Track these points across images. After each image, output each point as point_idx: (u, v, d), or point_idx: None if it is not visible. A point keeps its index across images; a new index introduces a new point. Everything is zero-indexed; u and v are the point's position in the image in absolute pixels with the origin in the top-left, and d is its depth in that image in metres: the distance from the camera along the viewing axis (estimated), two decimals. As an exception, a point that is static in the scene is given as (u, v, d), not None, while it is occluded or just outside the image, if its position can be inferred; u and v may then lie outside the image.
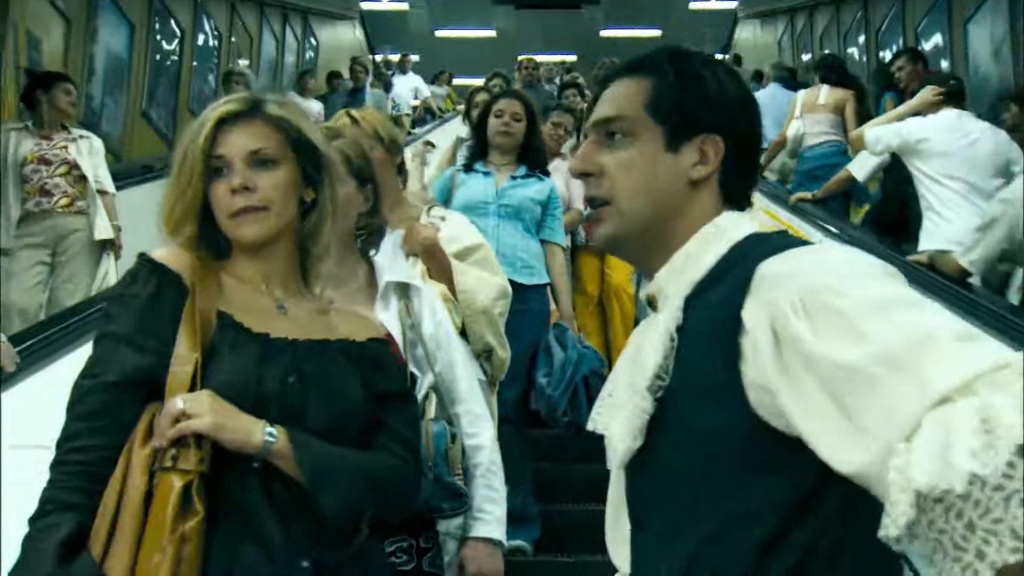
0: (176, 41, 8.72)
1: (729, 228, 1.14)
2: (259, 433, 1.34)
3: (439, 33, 18.01)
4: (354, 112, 2.57)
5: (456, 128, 6.99)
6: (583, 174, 1.20)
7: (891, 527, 0.81)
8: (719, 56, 13.09)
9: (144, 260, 1.46)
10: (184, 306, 1.40)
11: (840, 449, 0.88)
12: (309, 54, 13.31)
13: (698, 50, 1.25)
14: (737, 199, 1.20)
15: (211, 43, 9.69)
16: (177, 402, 1.31)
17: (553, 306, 3.69)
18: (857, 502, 0.94)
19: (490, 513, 1.94)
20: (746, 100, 1.21)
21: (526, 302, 3.40)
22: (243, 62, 10.48)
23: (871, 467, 0.85)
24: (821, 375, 0.90)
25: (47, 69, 5.98)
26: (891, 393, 0.84)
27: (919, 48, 6.96)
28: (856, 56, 9.25)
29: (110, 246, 5.00)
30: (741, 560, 1.00)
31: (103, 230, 4.95)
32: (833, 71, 6.31)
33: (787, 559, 0.98)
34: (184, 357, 1.36)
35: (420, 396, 1.92)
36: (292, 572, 1.33)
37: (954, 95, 4.48)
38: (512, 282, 3.26)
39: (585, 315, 4.70)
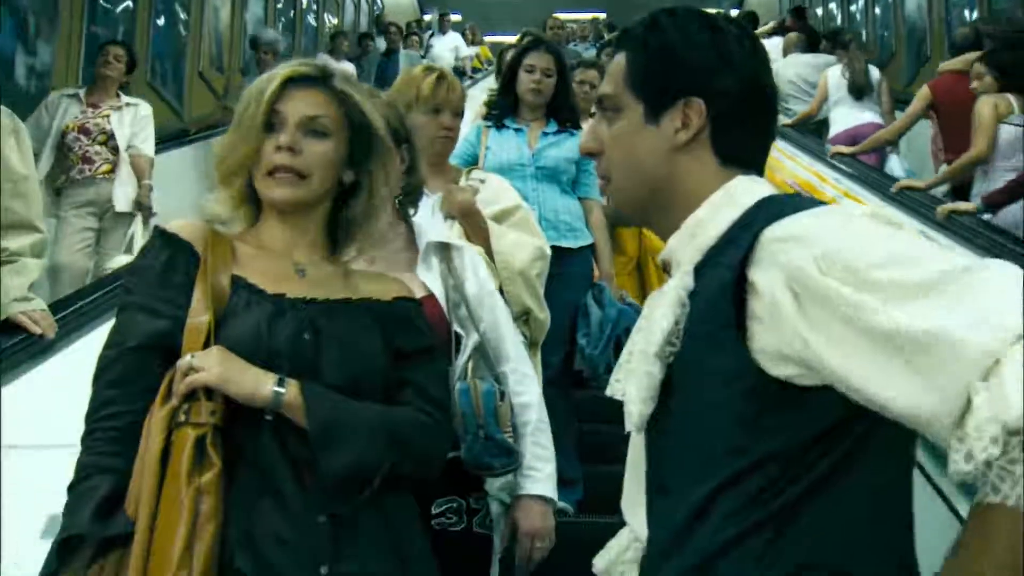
0: (291, 4, 11.35)
1: (740, 193, 1.14)
2: (268, 385, 1.35)
3: None
4: (449, 76, 2.58)
5: (490, 86, 6.94)
6: (589, 153, 1.24)
7: (963, 463, 0.83)
8: (732, 11, 13.92)
9: (157, 232, 1.49)
10: (197, 273, 1.42)
11: (903, 398, 0.89)
12: (376, 13, 15.69)
13: (684, 8, 1.22)
14: (740, 158, 1.18)
15: (313, 6, 12.39)
16: (187, 358, 1.34)
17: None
18: (861, 453, 0.99)
19: (540, 471, 1.94)
20: (730, 56, 1.17)
21: (569, 265, 3.37)
22: (334, 20, 13.15)
23: (941, 410, 0.85)
24: (870, 329, 0.91)
25: (221, 33, 8.68)
26: (960, 334, 0.85)
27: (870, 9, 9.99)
28: (834, 10, 11.32)
29: (137, 206, 5.08)
30: (735, 509, 1.02)
31: (129, 202, 5.03)
32: (751, 22, 9.26)
33: (780, 509, 1.00)
34: (198, 320, 1.39)
35: (464, 356, 1.91)
36: (309, 527, 1.34)
37: (776, 31, 8.75)
38: (558, 246, 3.26)
39: (623, 276, 4.67)
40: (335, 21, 13.20)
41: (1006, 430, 0.81)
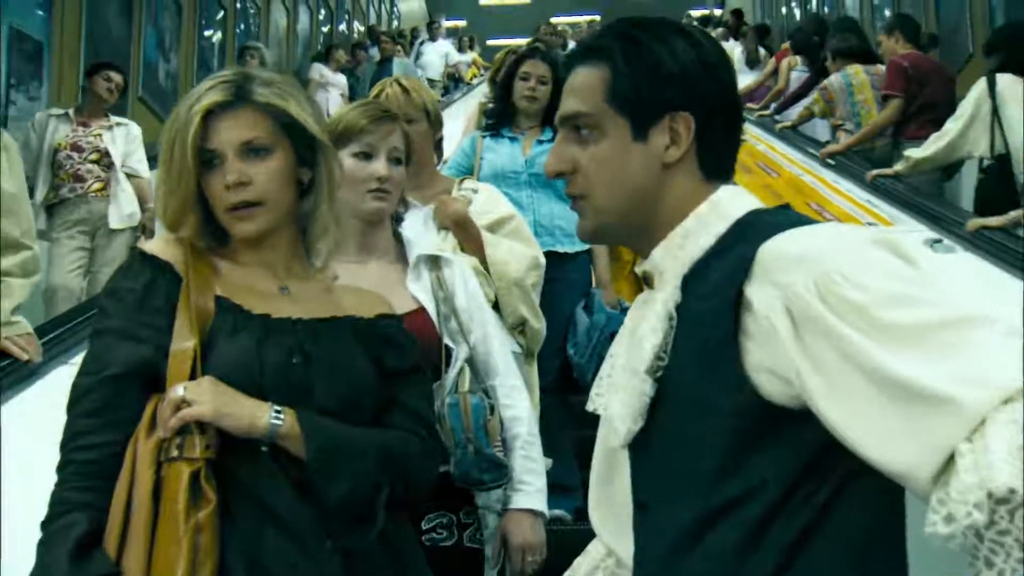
0: (329, 16, 13.85)
1: (727, 205, 1.12)
2: (264, 416, 1.30)
3: (483, 1, 20.24)
4: (404, 81, 2.57)
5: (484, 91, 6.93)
6: (558, 174, 1.17)
7: (942, 525, 0.80)
8: (716, 11, 14.32)
9: (136, 253, 1.43)
10: (179, 295, 1.37)
11: (884, 446, 0.87)
12: (395, 23, 18.20)
13: (654, 19, 1.18)
14: (720, 170, 1.16)
15: (345, 16, 14.92)
16: (177, 389, 1.28)
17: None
18: (857, 480, 0.95)
19: (531, 484, 1.93)
20: (710, 64, 1.14)
21: (567, 272, 3.36)
22: (361, 28, 15.43)
23: (920, 465, 0.83)
24: (860, 370, 0.88)
25: (281, 40, 11.20)
26: (947, 391, 0.82)
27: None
28: (795, 7, 13.60)
29: (142, 229, 5.07)
30: (735, 538, 1.00)
31: (122, 218, 5.02)
32: (707, 23, 12.10)
33: (782, 537, 0.98)
34: (183, 346, 1.33)
35: (455, 369, 1.90)
36: (318, 554, 1.31)
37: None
38: (554, 252, 3.25)
39: (620, 280, 4.65)
40: (363, 29, 15.45)
41: (992, 498, 0.78)
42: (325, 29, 13.53)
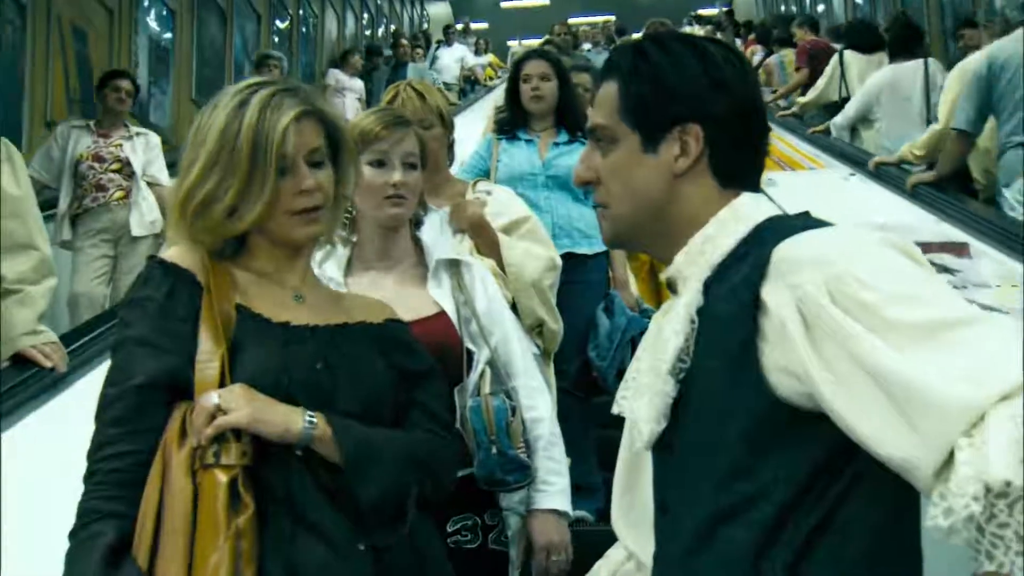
0: (371, 20, 15.53)
1: (748, 211, 1.14)
2: (298, 421, 1.31)
3: (504, 4, 21.29)
4: (417, 85, 2.59)
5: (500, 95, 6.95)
6: (585, 182, 1.22)
7: (942, 518, 0.82)
8: (724, 10, 15.73)
9: (154, 262, 1.43)
10: (201, 304, 1.38)
11: (888, 441, 0.88)
12: (425, 25, 19.58)
13: (669, 34, 1.22)
14: (738, 178, 1.17)
15: (383, 19, 16.46)
16: (212, 397, 1.28)
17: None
18: (868, 479, 0.97)
19: (554, 484, 1.94)
20: (718, 76, 1.16)
21: (585, 273, 3.35)
22: (393, 26, 16.59)
23: (922, 459, 0.85)
24: (866, 366, 0.90)
25: (333, 43, 12.91)
26: (948, 387, 0.84)
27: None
28: (792, 5, 14.73)
29: (164, 237, 5.11)
30: (748, 538, 1.01)
31: (144, 226, 5.05)
32: (729, 17, 13.42)
33: (795, 536, 0.99)
34: (209, 354, 1.32)
35: (477, 372, 1.91)
36: (351, 556, 1.31)
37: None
38: (572, 254, 3.25)
39: (637, 281, 4.63)
40: (393, 27, 16.72)
41: (989, 490, 0.80)
42: (368, 32, 15.02)
